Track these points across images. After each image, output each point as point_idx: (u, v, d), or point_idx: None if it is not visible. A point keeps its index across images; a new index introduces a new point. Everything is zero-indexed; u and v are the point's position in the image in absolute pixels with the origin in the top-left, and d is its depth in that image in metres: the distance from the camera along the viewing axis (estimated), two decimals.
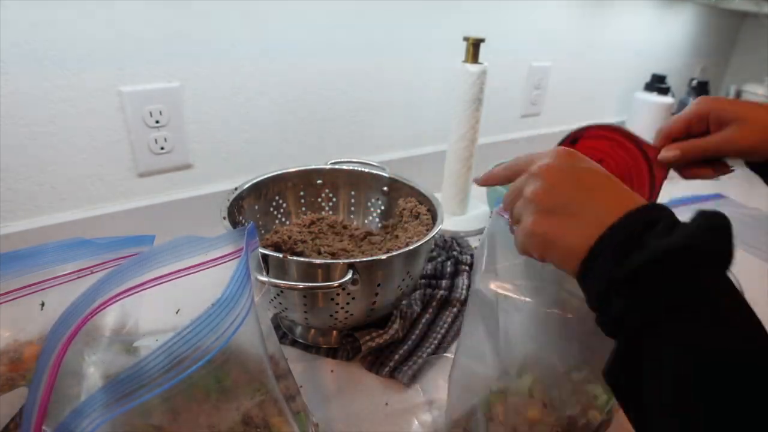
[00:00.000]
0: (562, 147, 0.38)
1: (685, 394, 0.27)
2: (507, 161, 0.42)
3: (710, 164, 0.46)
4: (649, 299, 0.28)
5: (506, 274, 0.45)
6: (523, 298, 0.44)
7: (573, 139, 0.49)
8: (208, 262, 0.35)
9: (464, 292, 0.72)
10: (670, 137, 0.47)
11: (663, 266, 0.28)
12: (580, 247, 0.32)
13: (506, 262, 0.45)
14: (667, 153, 0.46)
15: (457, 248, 0.82)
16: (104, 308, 0.30)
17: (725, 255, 0.29)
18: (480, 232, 0.93)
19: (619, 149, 0.48)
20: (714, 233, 0.29)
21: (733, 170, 0.46)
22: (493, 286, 0.45)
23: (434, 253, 0.81)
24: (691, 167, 0.47)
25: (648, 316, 0.28)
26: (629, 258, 0.29)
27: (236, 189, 0.63)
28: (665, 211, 0.32)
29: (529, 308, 0.44)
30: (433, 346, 0.63)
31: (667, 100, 1.30)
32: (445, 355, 0.62)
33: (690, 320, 0.27)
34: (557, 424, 0.43)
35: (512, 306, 0.44)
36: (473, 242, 0.88)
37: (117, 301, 0.31)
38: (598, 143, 0.49)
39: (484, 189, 0.94)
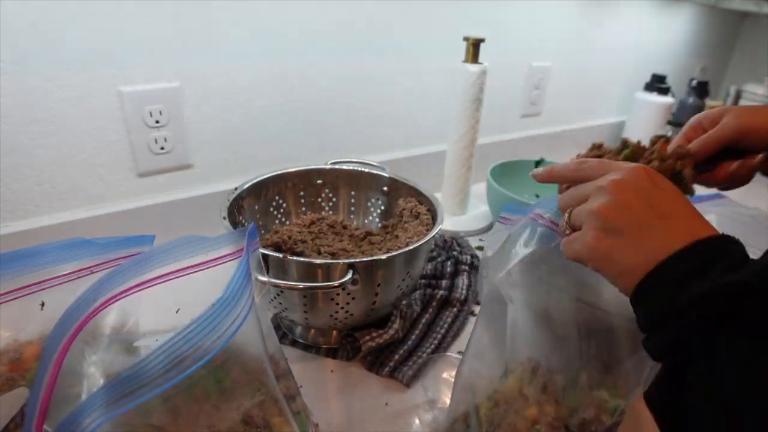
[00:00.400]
0: (641, 165, 0.36)
1: (731, 428, 0.27)
2: (568, 161, 0.41)
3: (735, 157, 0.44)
4: (705, 331, 0.29)
5: (516, 276, 0.45)
6: (530, 299, 0.44)
7: None
8: (208, 261, 0.35)
9: (464, 292, 0.72)
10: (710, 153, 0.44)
11: (722, 300, 0.28)
12: (640, 269, 0.32)
13: (516, 262, 0.45)
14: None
15: (457, 248, 0.82)
16: (105, 308, 0.30)
17: None
18: (480, 232, 0.93)
19: None
20: None
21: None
22: (505, 286, 0.45)
23: (434, 253, 0.81)
24: (719, 168, 0.44)
25: (700, 348, 0.29)
26: (690, 289, 0.29)
27: (236, 189, 0.63)
28: (735, 246, 0.31)
29: (535, 310, 0.44)
30: (433, 346, 0.63)
31: (667, 100, 1.30)
32: (446, 354, 0.62)
33: (741, 356, 0.28)
34: (557, 419, 0.43)
35: (520, 306, 0.44)
36: (473, 242, 0.88)
37: (118, 300, 0.31)
38: None
39: (484, 189, 0.94)
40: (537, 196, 0.99)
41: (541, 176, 0.43)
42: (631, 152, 0.47)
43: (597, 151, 0.48)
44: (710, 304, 0.28)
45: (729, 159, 0.44)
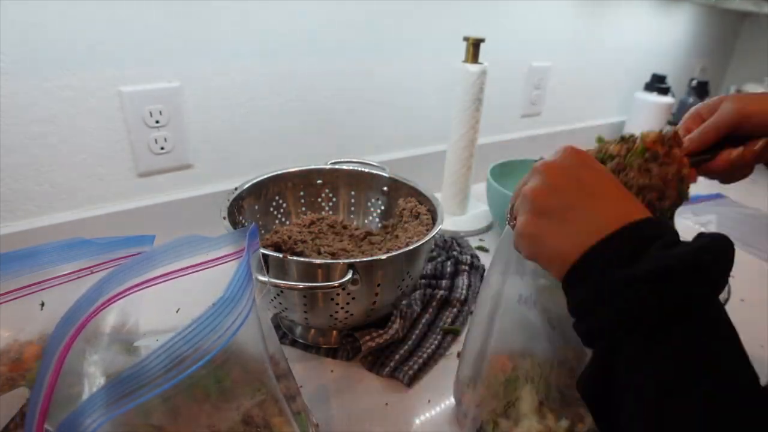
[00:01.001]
0: (571, 146, 0.36)
1: (656, 409, 0.27)
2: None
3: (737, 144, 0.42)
4: (634, 312, 0.28)
5: (513, 274, 0.45)
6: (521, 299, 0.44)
7: None
8: (208, 261, 0.35)
9: (464, 292, 0.72)
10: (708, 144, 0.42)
11: (655, 282, 0.27)
12: (571, 253, 0.31)
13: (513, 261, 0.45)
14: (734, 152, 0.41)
15: (457, 248, 0.82)
16: (107, 307, 0.30)
17: (719, 280, 0.29)
18: (480, 232, 0.93)
19: None
20: (713, 257, 0.29)
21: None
22: (501, 284, 0.45)
23: (434, 253, 0.81)
24: (719, 156, 0.42)
25: (631, 329, 0.28)
26: (620, 271, 0.29)
27: (236, 189, 0.64)
28: (666, 228, 0.31)
29: (522, 311, 0.44)
30: (433, 346, 0.63)
31: (667, 100, 1.30)
32: (446, 354, 0.62)
33: (670, 338, 0.27)
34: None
35: (510, 306, 0.44)
36: (473, 242, 0.88)
37: (119, 299, 0.31)
38: None
39: (484, 189, 0.94)
40: None
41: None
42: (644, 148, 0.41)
43: (623, 144, 0.41)
44: (638, 288, 0.28)
45: (729, 148, 0.42)
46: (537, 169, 0.36)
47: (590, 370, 0.31)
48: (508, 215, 0.40)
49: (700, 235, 0.30)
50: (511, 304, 0.44)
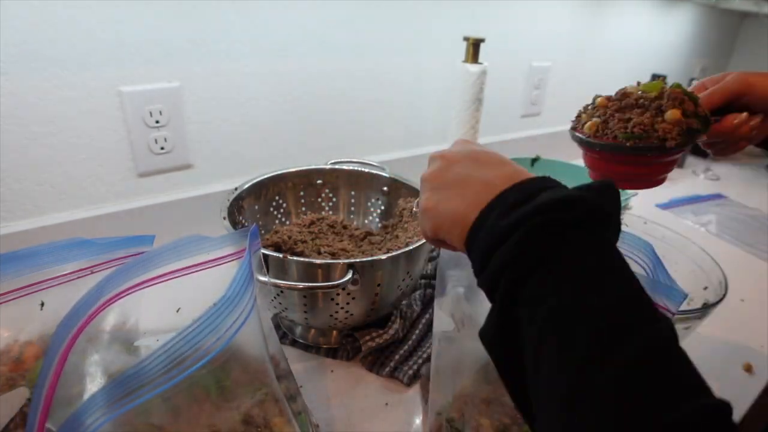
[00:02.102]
0: (459, 138, 0.40)
1: (549, 351, 0.25)
2: None
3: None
4: (525, 254, 0.27)
5: (448, 303, 0.46)
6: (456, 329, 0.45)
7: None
8: (209, 261, 0.35)
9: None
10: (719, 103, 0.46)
11: (543, 219, 0.27)
12: (468, 214, 0.32)
13: (451, 287, 0.46)
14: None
15: None
16: (110, 305, 0.30)
17: (609, 213, 0.29)
18: None
19: None
20: (600, 193, 0.29)
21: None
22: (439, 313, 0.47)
23: (434, 253, 0.81)
24: (725, 118, 0.46)
25: (523, 270, 0.27)
26: (510, 214, 0.29)
27: (236, 189, 0.63)
28: (557, 182, 0.31)
29: (460, 339, 0.44)
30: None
31: None
32: None
33: (561, 275, 0.27)
34: None
35: (446, 338, 0.45)
36: None
37: (122, 298, 0.31)
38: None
39: None
40: None
41: None
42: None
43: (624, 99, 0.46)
44: (531, 225, 0.28)
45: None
46: (433, 157, 0.38)
47: (492, 319, 0.29)
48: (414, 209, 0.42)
49: (588, 183, 0.31)
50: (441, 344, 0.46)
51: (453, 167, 0.35)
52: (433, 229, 0.35)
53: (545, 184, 0.31)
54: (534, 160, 1.01)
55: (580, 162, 1.09)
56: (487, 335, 0.30)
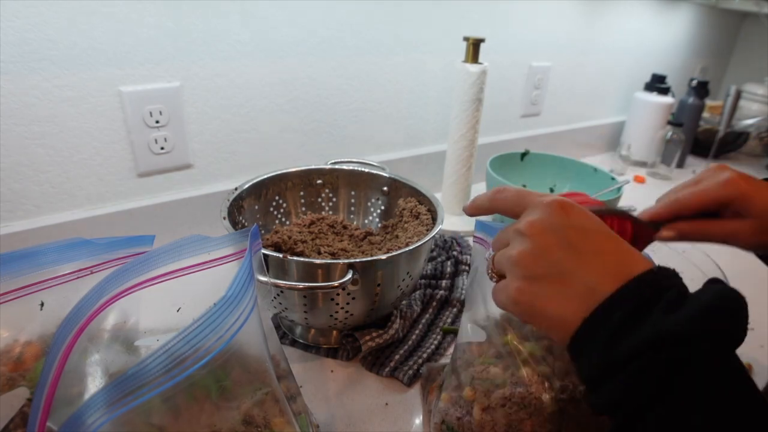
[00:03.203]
0: (556, 200, 0.33)
1: None
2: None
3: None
4: (647, 384, 0.26)
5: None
6: None
7: None
8: (210, 261, 0.35)
9: (464, 292, 0.72)
10: (676, 214, 0.41)
11: (663, 350, 0.26)
12: (571, 320, 0.30)
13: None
14: (667, 233, 0.41)
15: (457, 248, 0.82)
16: (110, 305, 0.30)
17: (735, 338, 0.27)
18: None
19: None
20: (726, 314, 0.27)
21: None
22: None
23: (434, 253, 0.81)
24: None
25: (644, 401, 0.26)
26: (627, 338, 0.27)
27: (236, 189, 0.63)
28: (670, 280, 0.29)
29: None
30: (433, 346, 0.63)
31: (667, 100, 1.30)
32: (446, 355, 0.62)
33: (686, 407, 0.26)
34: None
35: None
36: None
37: (122, 297, 0.31)
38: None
39: (484, 189, 0.94)
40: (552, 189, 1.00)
41: (467, 210, 0.41)
42: None
43: None
44: (650, 356, 0.26)
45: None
46: (520, 231, 0.33)
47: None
48: (490, 270, 0.38)
49: (712, 281, 0.29)
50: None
51: (547, 255, 0.31)
52: (524, 320, 0.33)
53: (655, 288, 0.28)
54: (524, 155, 1.02)
55: (570, 156, 1.09)
56: None
